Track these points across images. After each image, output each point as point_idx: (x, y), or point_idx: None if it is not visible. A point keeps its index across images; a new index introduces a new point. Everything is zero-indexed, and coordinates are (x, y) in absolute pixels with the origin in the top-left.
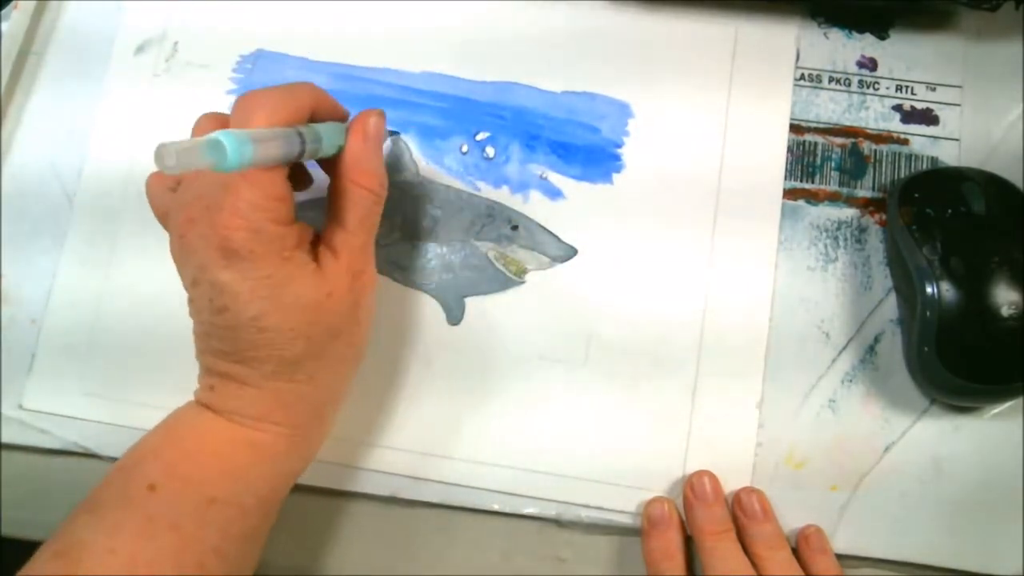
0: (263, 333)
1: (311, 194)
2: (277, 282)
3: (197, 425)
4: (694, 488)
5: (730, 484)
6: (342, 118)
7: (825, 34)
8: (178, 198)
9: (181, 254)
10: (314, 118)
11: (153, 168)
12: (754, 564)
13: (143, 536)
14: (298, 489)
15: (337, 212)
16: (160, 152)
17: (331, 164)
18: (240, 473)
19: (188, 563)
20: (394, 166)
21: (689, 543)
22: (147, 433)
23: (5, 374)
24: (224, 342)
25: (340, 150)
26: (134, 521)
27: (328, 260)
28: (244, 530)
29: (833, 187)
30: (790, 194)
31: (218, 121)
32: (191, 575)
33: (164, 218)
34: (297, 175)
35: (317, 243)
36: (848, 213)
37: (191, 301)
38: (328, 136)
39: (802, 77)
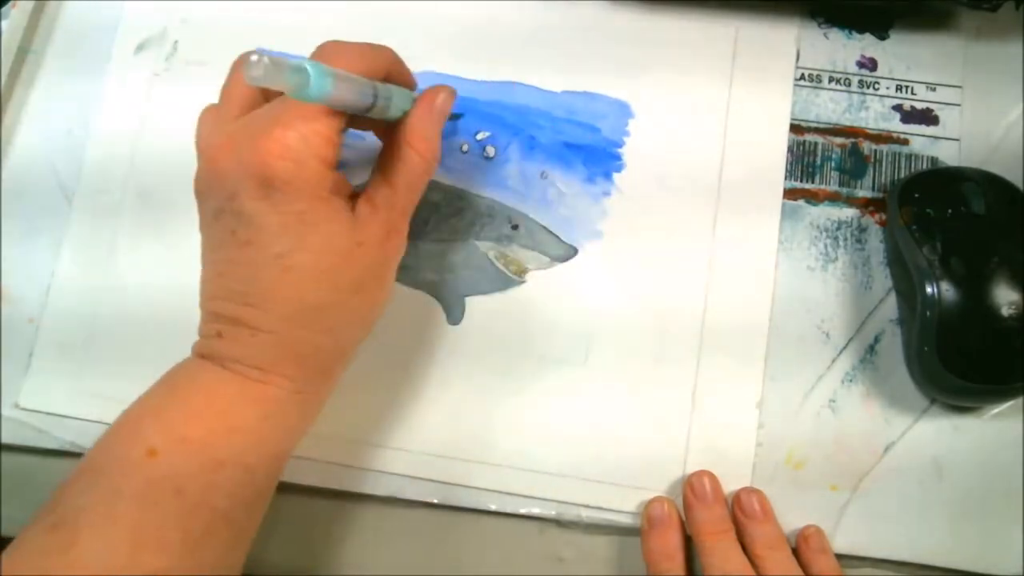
0: (287, 273)
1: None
2: (310, 220)
3: (199, 380)
4: (694, 488)
5: (730, 484)
6: (410, 87)
7: (825, 34)
8: (223, 127)
9: (209, 180)
10: (387, 79)
11: (152, 157)
12: (754, 564)
13: (146, 502)
14: (298, 489)
15: (386, 171)
16: (248, 59)
17: (389, 129)
18: (247, 432)
19: (195, 529)
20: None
21: (689, 543)
22: (145, 392)
23: (3, 373)
24: (241, 281)
25: (403, 115)
26: (135, 487)
27: (365, 211)
28: (252, 493)
29: (833, 187)
30: (790, 194)
31: (359, 59)
32: (199, 543)
33: (203, 146)
34: None
35: (354, 199)
36: (848, 213)
37: (208, 237)
38: (398, 98)
39: (802, 77)
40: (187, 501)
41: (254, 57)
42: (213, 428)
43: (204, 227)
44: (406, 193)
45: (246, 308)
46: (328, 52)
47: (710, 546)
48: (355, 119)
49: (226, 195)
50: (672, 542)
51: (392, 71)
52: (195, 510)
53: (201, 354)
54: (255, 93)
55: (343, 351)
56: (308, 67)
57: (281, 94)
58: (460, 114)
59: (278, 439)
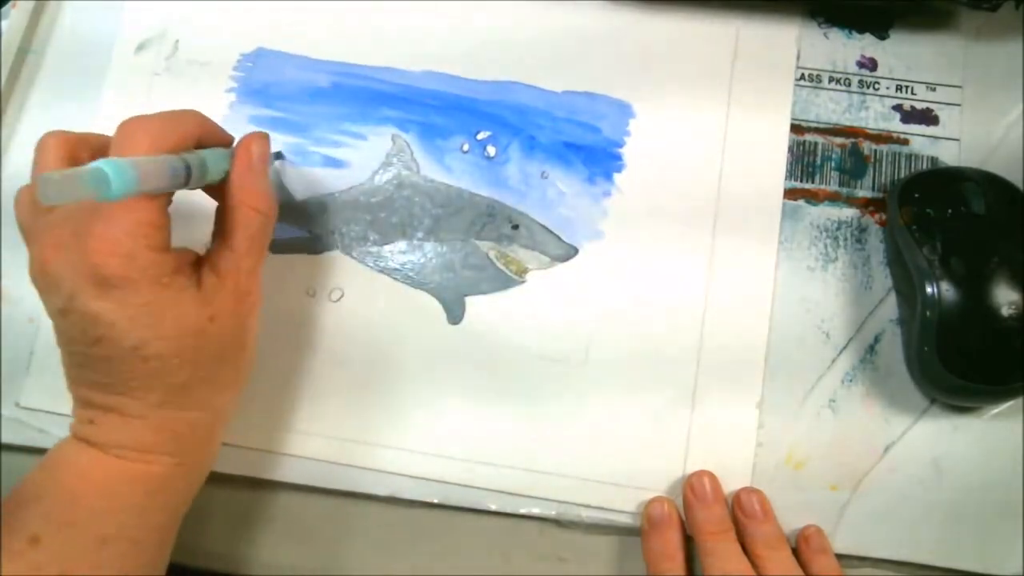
0: (147, 363)
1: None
2: (156, 309)
3: (79, 464)
4: (694, 488)
5: (730, 484)
6: (226, 144)
7: (825, 34)
8: (45, 219)
9: (44, 280)
10: (199, 145)
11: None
12: (754, 564)
13: None
14: (298, 489)
15: (224, 234)
16: (39, 183)
17: (217, 189)
18: (131, 509)
19: None
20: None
21: (689, 543)
22: (24, 479)
23: (3, 373)
24: (102, 374)
25: (226, 175)
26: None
27: (211, 282)
28: (143, 562)
29: (833, 187)
30: (790, 194)
31: (67, 143)
32: None
33: (28, 235)
34: None
35: (200, 266)
36: (848, 213)
37: (60, 331)
38: (213, 162)
39: (802, 77)
40: None
41: (41, 180)
42: (96, 509)
43: (52, 318)
44: (248, 253)
45: (114, 397)
46: (128, 134)
47: (710, 546)
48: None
49: (65, 296)
50: (672, 542)
51: (202, 134)
52: None
53: (78, 438)
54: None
55: (218, 418)
56: (106, 168)
57: None
58: (281, 154)
59: (164, 511)
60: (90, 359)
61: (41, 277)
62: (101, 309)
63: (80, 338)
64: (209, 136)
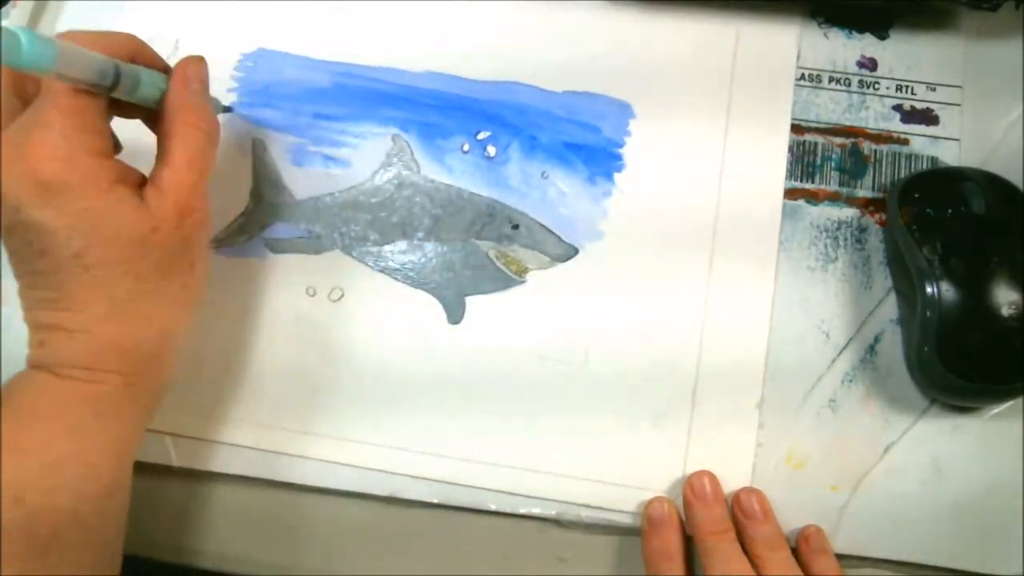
0: (88, 271)
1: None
2: (97, 215)
3: (31, 389)
4: (694, 488)
5: (730, 484)
6: (164, 71)
7: (825, 34)
8: None
9: None
10: (132, 62)
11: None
12: (754, 564)
13: None
14: (297, 488)
15: (165, 153)
16: None
17: (157, 115)
18: (84, 431)
19: (40, 533)
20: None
21: (689, 543)
22: None
23: (3, 373)
24: (49, 289)
25: (162, 96)
26: None
27: (153, 197)
28: (97, 489)
29: (833, 187)
30: (790, 194)
31: (93, 42)
32: (45, 544)
33: None
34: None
35: (144, 185)
36: (848, 213)
37: (10, 252)
38: (148, 76)
39: (802, 77)
40: (27, 507)
41: None
42: (48, 431)
43: (4, 243)
44: (189, 170)
45: (59, 313)
46: (63, 36)
47: (710, 546)
48: (119, 107)
49: (11, 208)
50: (672, 542)
51: (137, 55)
52: (37, 514)
53: (32, 364)
54: (14, 102)
55: (166, 336)
56: (20, 34)
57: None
58: (229, 108)
59: (116, 433)
60: (37, 276)
61: None
62: (43, 217)
63: (27, 254)
64: (146, 60)
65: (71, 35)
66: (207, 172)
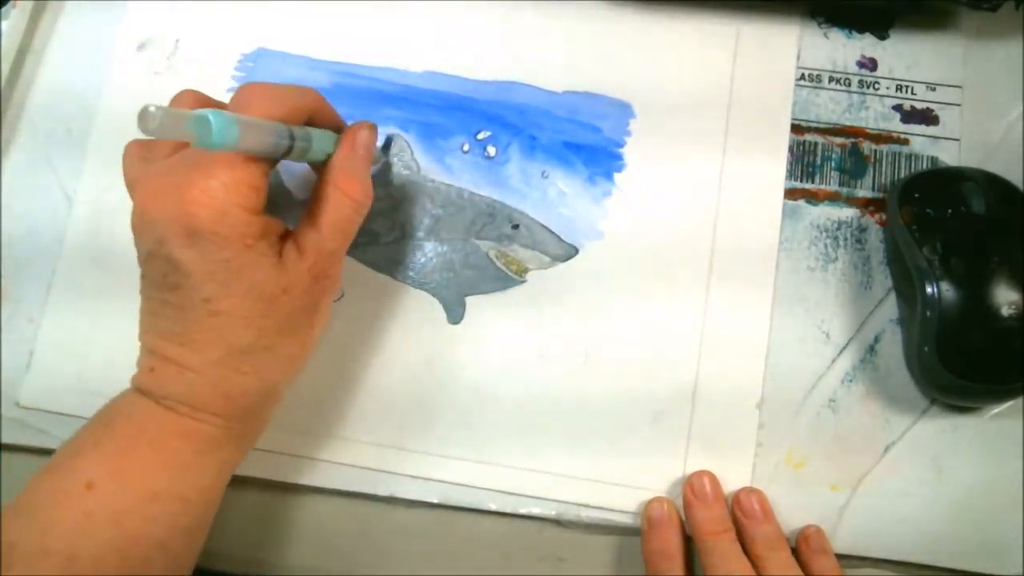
0: (214, 317)
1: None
2: (235, 267)
3: (134, 414)
4: (694, 488)
5: (730, 484)
6: (338, 129)
7: (825, 34)
8: (148, 168)
9: (141, 226)
10: (311, 122)
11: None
12: (754, 564)
13: (81, 534)
14: (297, 488)
15: (313, 214)
16: (145, 114)
17: (318, 171)
18: (181, 466)
19: (133, 559)
20: (383, 174)
21: (689, 543)
22: (82, 426)
23: (3, 373)
24: (172, 321)
25: (328, 157)
26: (70, 519)
27: (292, 257)
28: (188, 524)
29: (833, 187)
30: (790, 194)
31: (198, 100)
32: (136, 570)
33: (132, 186)
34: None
35: (285, 240)
36: (848, 213)
37: (144, 276)
38: (319, 141)
39: (802, 77)
40: (124, 532)
41: (151, 109)
42: (148, 461)
43: (140, 264)
44: (332, 236)
45: (177, 347)
46: (246, 96)
47: (710, 546)
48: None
49: (155, 240)
50: (672, 542)
51: (317, 113)
52: (133, 541)
53: (138, 388)
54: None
55: (271, 391)
56: (211, 117)
57: None
58: (389, 140)
59: (212, 473)
60: (164, 306)
61: (139, 222)
62: (184, 257)
63: (160, 283)
64: (322, 116)
65: (256, 93)
66: (348, 241)
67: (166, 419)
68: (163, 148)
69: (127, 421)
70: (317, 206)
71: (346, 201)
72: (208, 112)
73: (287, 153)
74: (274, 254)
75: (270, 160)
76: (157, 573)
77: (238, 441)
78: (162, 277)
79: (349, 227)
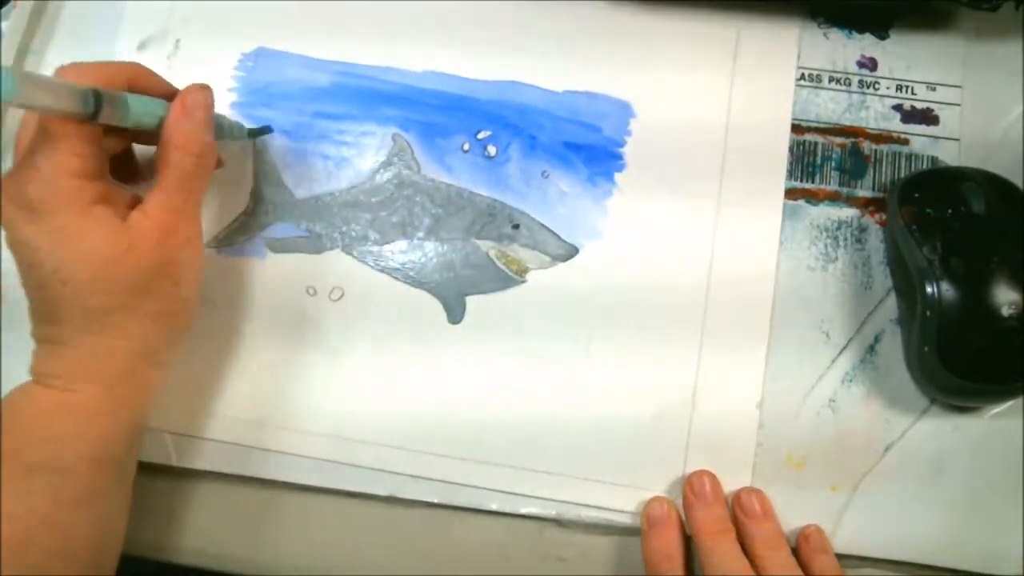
0: (65, 286)
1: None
2: (72, 233)
3: (17, 399)
4: (694, 488)
5: (730, 484)
6: (170, 97)
7: (825, 34)
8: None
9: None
10: (131, 91)
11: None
12: (754, 564)
13: None
14: (297, 488)
15: (156, 176)
16: None
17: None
18: (59, 439)
19: (15, 537)
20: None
21: (689, 543)
22: None
23: (3, 373)
24: (40, 303)
25: (161, 121)
26: None
27: (136, 217)
28: (74, 494)
29: (833, 187)
30: (790, 194)
31: (83, 72)
32: (21, 546)
33: None
34: (126, 164)
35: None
36: (848, 213)
37: (18, 271)
38: (140, 104)
39: (802, 77)
40: (3, 509)
41: None
42: (24, 437)
43: (13, 256)
44: (175, 192)
45: (48, 326)
46: (60, 70)
47: (710, 546)
48: (137, 135)
49: (7, 226)
50: (672, 542)
51: (135, 83)
52: (11, 518)
53: (31, 377)
54: (35, 125)
55: (144, 352)
56: None
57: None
58: (266, 129)
59: (92, 442)
60: (30, 290)
61: None
62: (28, 233)
63: (23, 269)
64: (146, 85)
65: (70, 68)
66: (195, 195)
67: (44, 395)
68: (20, 152)
69: (9, 405)
70: (158, 167)
71: (183, 156)
72: None
73: (96, 114)
74: (114, 217)
75: (89, 125)
76: (49, 548)
77: (115, 411)
78: (21, 262)
79: (191, 182)
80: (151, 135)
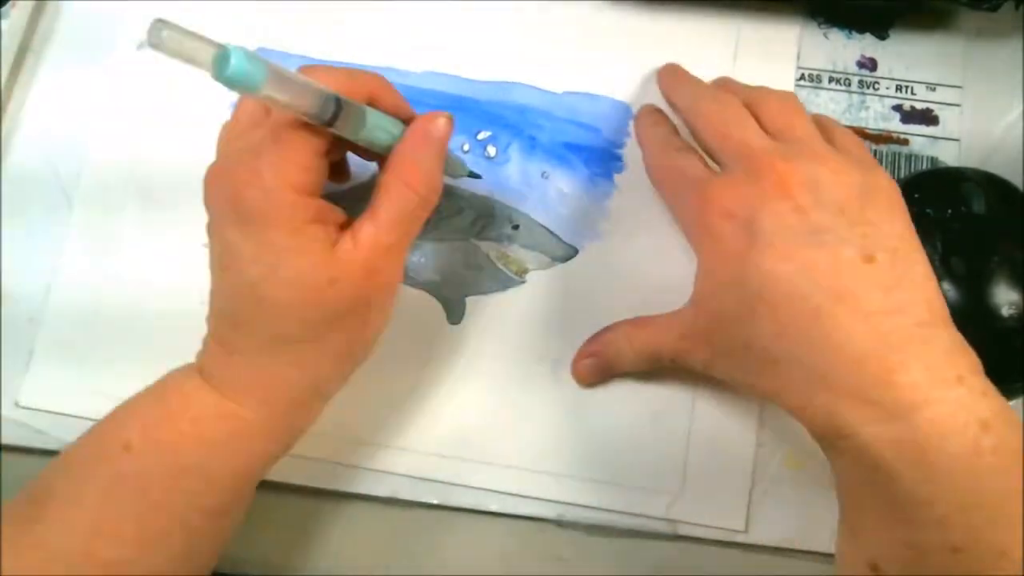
0: (260, 304)
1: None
2: (280, 251)
3: (184, 387)
4: (663, 76)
5: (730, 484)
6: (407, 119)
7: (825, 34)
8: (225, 146)
9: (205, 205)
10: (371, 105)
11: (153, 156)
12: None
13: (109, 495)
14: (297, 489)
15: (374, 205)
16: (154, 23)
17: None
18: (214, 444)
19: (151, 528)
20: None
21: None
22: (140, 391)
23: (3, 372)
24: (226, 301)
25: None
26: (104, 477)
27: (346, 247)
28: (212, 505)
29: None
30: None
31: (330, 76)
32: (153, 542)
33: (216, 156)
34: (337, 168)
35: (344, 230)
36: None
37: (209, 254)
38: (378, 121)
39: (802, 77)
40: (148, 500)
41: (164, 19)
42: (185, 434)
43: (209, 244)
44: (391, 230)
45: (228, 329)
46: (305, 69)
47: (707, 100)
48: (354, 148)
49: (213, 218)
50: (663, 121)
51: (378, 97)
52: (154, 510)
53: (196, 365)
54: (260, 110)
55: (315, 387)
56: (231, 49)
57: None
58: (477, 175)
59: (244, 459)
60: (219, 285)
61: (205, 199)
62: (232, 237)
63: (217, 263)
64: (387, 103)
65: (314, 68)
66: (410, 237)
67: (209, 398)
68: (238, 127)
69: (176, 392)
70: (378, 197)
71: (408, 194)
72: (231, 46)
73: (333, 122)
74: (325, 241)
75: (322, 134)
76: (173, 547)
77: (275, 434)
78: (217, 256)
79: (410, 222)
80: (370, 152)
